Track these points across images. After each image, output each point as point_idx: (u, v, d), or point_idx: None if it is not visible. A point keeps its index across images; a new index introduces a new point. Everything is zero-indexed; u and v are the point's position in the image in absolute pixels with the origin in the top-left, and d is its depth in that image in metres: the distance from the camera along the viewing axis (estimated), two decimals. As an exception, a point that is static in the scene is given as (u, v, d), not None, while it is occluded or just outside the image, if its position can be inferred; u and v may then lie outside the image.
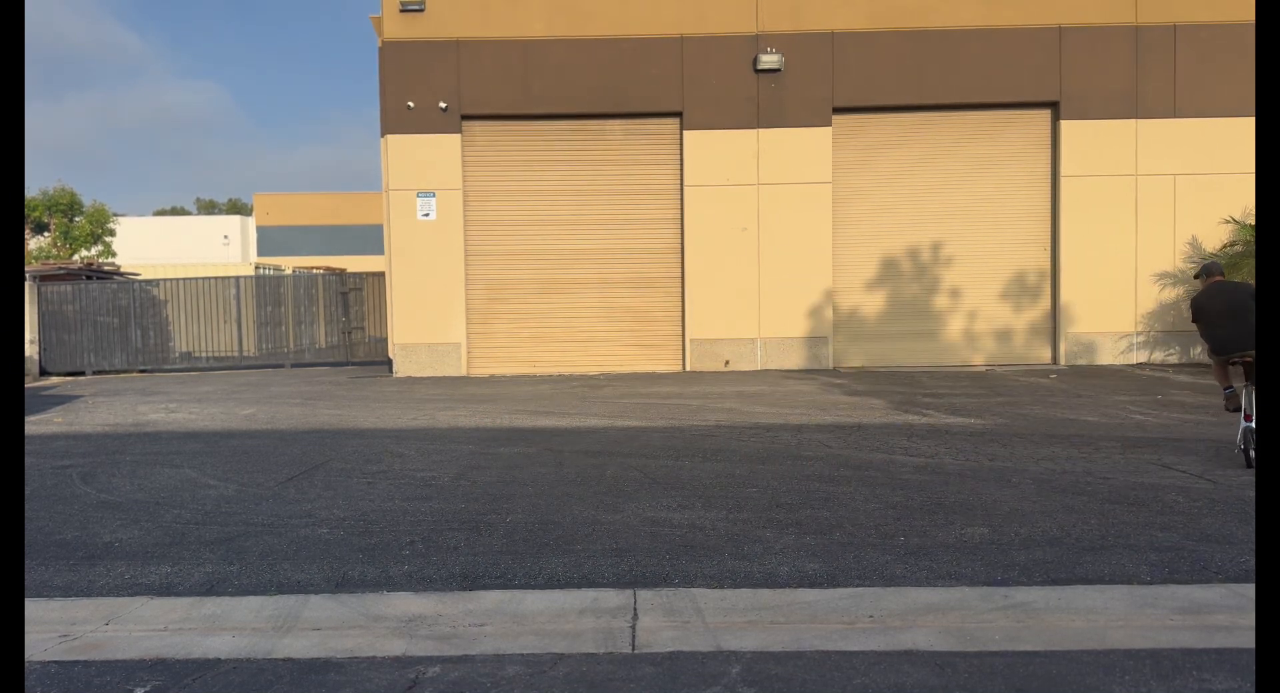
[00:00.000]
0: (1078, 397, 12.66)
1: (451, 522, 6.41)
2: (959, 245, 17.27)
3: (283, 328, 20.79)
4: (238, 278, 21.30)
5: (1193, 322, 8.70)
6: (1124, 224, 16.93)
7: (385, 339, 18.75)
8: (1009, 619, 4.45)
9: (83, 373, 19.77)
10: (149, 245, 50.62)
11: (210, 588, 5.12)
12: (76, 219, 45.28)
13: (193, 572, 5.42)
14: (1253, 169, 15.60)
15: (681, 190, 17.20)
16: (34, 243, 44.03)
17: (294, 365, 20.33)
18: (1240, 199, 16.44)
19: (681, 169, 17.18)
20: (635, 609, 4.65)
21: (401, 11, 16.95)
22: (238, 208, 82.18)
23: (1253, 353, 7.84)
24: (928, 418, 10.92)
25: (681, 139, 17.13)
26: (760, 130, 16.97)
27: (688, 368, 17.22)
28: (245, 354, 20.70)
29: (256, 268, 28.90)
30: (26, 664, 4.10)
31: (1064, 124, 16.92)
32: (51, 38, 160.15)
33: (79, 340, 19.89)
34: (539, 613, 4.63)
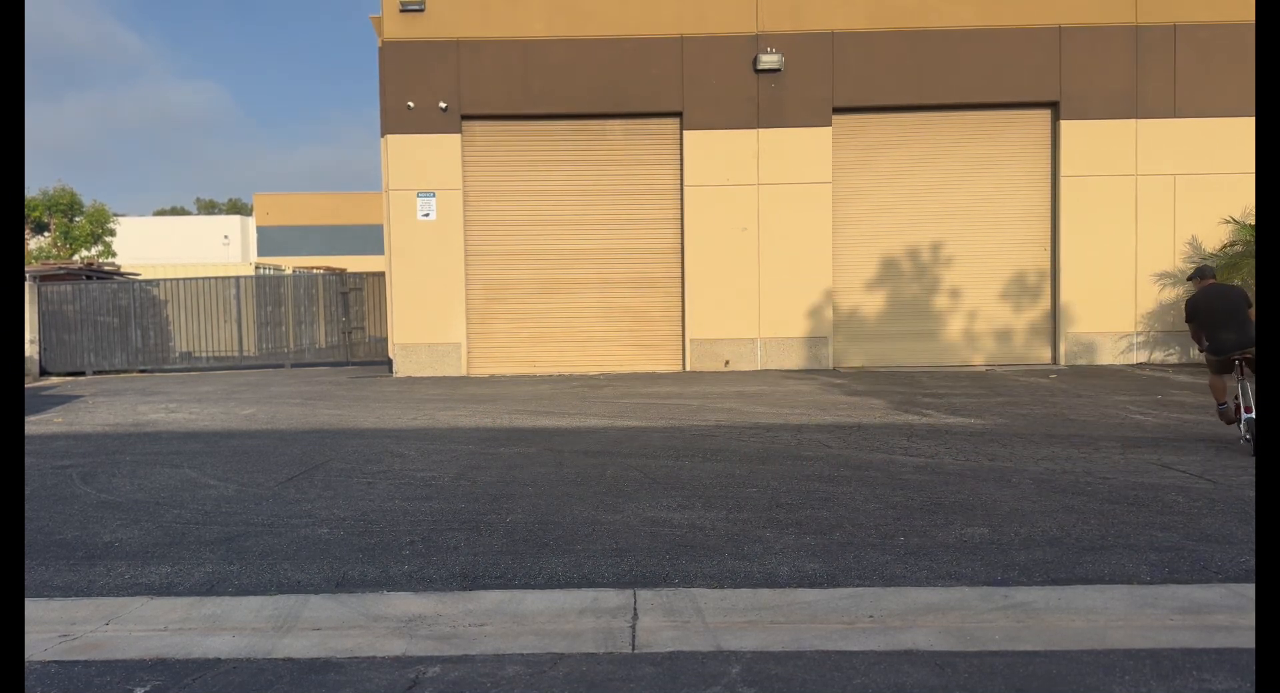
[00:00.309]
0: (1078, 397, 12.66)
1: (451, 522, 6.41)
2: (959, 245, 17.28)
3: (283, 328, 20.79)
4: (238, 278, 21.30)
5: (1187, 321, 9.21)
6: (1124, 224, 16.93)
7: (385, 339, 18.75)
8: (1009, 619, 4.45)
9: (83, 373, 19.77)
10: (149, 245, 50.61)
11: (210, 588, 5.12)
12: (76, 219, 45.27)
13: (193, 572, 5.42)
14: (1253, 169, 15.60)
15: (681, 190, 17.20)
16: (34, 243, 44.02)
17: (294, 365, 20.33)
18: (1240, 199, 16.45)
19: (681, 169, 17.18)
20: (635, 609, 4.65)
21: (401, 11, 16.96)
22: (238, 208, 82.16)
23: (1253, 350, 8.37)
24: (928, 418, 10.92)
25: (681, 139, 17.14)
26: (760, 130, 16.97)
27: (688, 368, 17.23)
28: (245, 354, 20.71)
29: (256, 268, 28.88)
30: (27, 664, 4.10)
31: (1064, 124, 16.92)
32: (51, 38, 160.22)
33: (79, 340, 19.89)
34: (539, 613, 4.63)
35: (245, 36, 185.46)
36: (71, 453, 9.60)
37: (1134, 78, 16.82)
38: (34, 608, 4.80)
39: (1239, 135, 16.44)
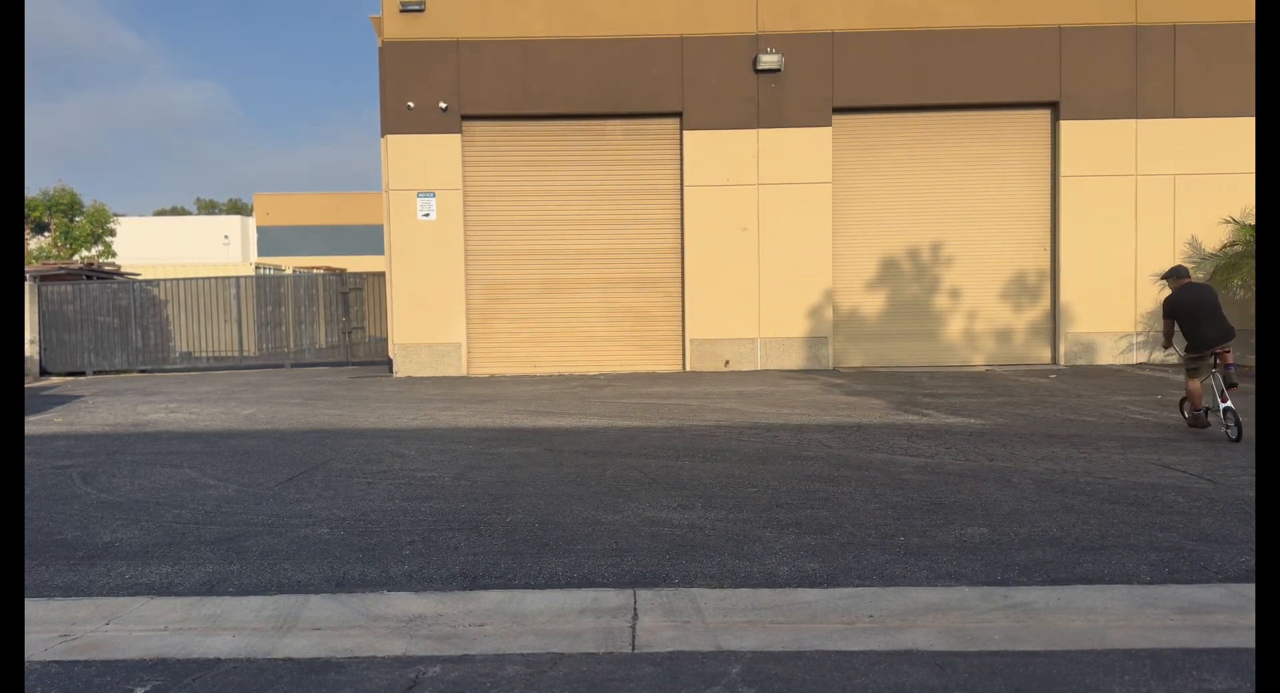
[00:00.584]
0: (1077, 397, 12.66)
1: (451, 522, 6.41)
2: (959, 245, 17.28)
3: (283, 328, 20.79)
4: (238, 278, 21.29)
5: (1165, 318, 9.77)
6: (1124, 224, 16.93)
7: (385, 339, 18.75)
8: (1009, 619, 4.46)
9: (83, 373, 19.77)
10: (149, 245, 50.63)
11: (210, 588, 5.13)
12: (77, 219, 45.26)
13: (193, 572, 5.42)
14: (1253, 169, 15.61)
15: (681, 190, 17.20)
16: (34, 243, 44.02)
17: (294, 365, 20.33)
18: (1240, 199, 16.44)
19: (681, 169, 17.18)
20: (635, 609, 4.65)
21: (401, 12, 16.96)
22: (238, 208, 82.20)
23: (1230, 344, 9.20)
24: (928, 418, 10.92)
25: (681, 139, 17.13)
26: (760, 130, 16.97)
27: (688, 368, 17.23)
28: (245, 354, 20.70)
29: (257, 268, 28.86)
30: (27, 664, 4.10)
31: (1064, 124, 16.92)
32: (51, 38, 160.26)
33: (79, 340, 19.89)
34: (539, 613, 4.63)
35: (245, 36, 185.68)
36: (72, 453, 9.60)
37: (1134, 78, 16.82)
38: (34, 608, 4.80)
39: (1239, 135, 16.44)
